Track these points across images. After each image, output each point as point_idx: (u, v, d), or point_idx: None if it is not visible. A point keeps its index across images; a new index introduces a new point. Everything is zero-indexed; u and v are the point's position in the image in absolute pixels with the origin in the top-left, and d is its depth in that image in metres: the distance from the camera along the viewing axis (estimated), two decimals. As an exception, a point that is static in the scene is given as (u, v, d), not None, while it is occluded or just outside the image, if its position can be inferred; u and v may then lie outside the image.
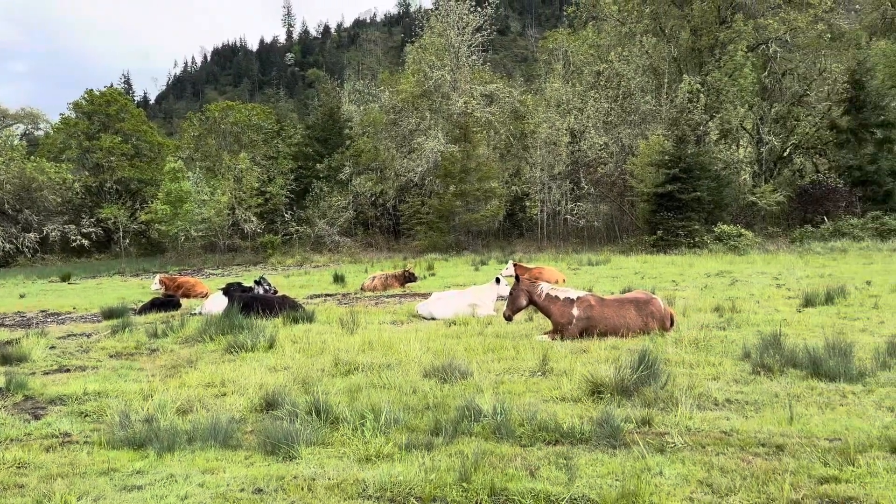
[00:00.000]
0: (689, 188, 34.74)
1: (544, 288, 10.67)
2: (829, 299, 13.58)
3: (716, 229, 34.34)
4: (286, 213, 51.80)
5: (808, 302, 13.49)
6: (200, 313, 16.45)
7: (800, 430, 5.67)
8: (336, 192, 51.07)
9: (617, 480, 4.74)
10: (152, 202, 50.44)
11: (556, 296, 10.56)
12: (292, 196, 53.22)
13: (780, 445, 5.31)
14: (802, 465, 4.80)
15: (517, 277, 10.85)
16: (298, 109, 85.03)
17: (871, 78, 39.32)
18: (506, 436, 5.76)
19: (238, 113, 56.97)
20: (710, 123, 40.71)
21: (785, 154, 44.64)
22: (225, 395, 8.03)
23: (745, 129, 45.20)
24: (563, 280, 20.33)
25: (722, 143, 42.25)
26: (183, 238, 48.16)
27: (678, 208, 34.88)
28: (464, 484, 4.71)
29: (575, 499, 4.48)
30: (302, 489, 4.85)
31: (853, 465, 4.69)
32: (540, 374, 8.21)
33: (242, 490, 4.94)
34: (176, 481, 5.19)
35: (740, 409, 6.50)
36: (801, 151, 44.87)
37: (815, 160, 45.71)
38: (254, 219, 50.46)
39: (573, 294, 10.59)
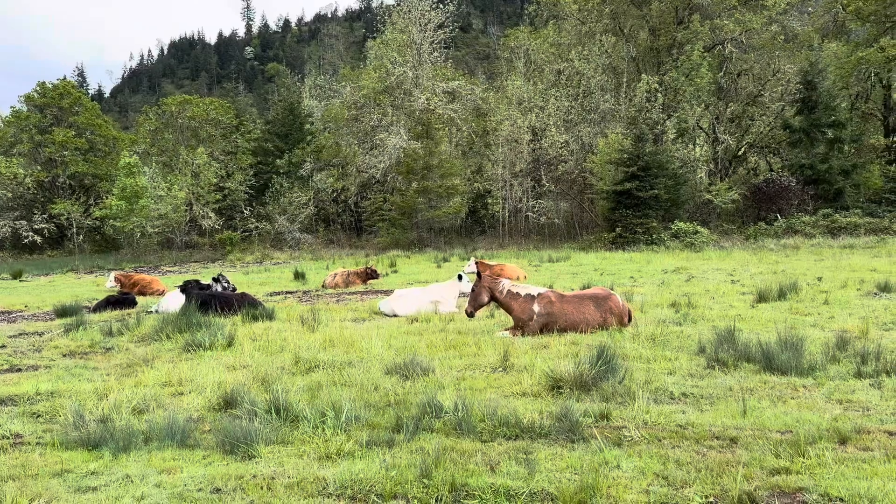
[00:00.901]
0: (647, 186, 35.29)
1: (506, 284, 10.74)
2: (781, 295, 13.95)
3: (673, 227, 34.94)
4: (245, 209, 51.13)
5: (762, 298, 13.84)
6: (157, 311, 16.16)
7: (753, 422, 5.82)
8: (297, 189, 50.57)
9: (576, 474, 4.81)
10: (107, 198, 49.29)
11: (517, 292, 10.64)
12: (251, 192, 52.54)
13: (734, 438, 5.44)
14: (755, 457, 4.93)
15: (479, 274, 10.90)
16: (258, 104, 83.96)
17: (823, 79, 40.42)
18: (467, 432, 5.79)
19: (196, 107, 55.98)
20: (667, 122, 41.41)
21: (740, 153, 45.65)
22: (182, 394, 7.91)
23: (701, 128, 46.09)
24: (525, 277, 20.48)
25: (679, 142, 43.01)
26: (139, 234, 47.16)
27: (636, 206, 35.41)
28: (425, 480, 4.73)
29: (534, 493, 4.53)
30: (261, 488, 4.81)
31: (804, 457, 4.84)
32: (501, 370, 8.27)
33: (200, 490, 4.88)
34: (132, 482, 5.10)
35: (695, 402, 6.64)
36: (756, 150, 45.95)
37: (768, 159, 46.88)
38: (212, 215, 49.68)
39: (534, 290, 10.68)
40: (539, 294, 10.60)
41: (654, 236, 34.42)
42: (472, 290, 10.83)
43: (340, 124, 51.91)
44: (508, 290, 10.68)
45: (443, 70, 51.32)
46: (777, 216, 36.87)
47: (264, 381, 8.05)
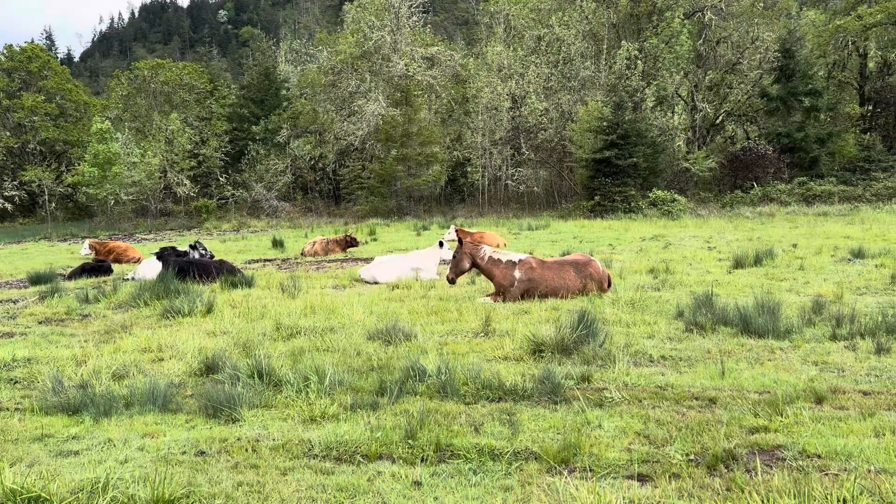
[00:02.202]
0: (626, 154, 35.35)
1: (487, 251, 10.76)
2: (757, 261, 14.14)
3: (651, 195, 35.12)
4: (221, 176, 50.48)
5: (738, 264, 14.02)
6: (134, 278, 16.00)
7: (731, 383, 5.92)
8: (273, 156, 49.97)
9: (558, 434, 4.87)
10: (79, 164, 48.35)
11: (498, 258, 10.66)
12: (227, 159, 51.83)
13: (713, 398, 5.54)
14: (734, 416, 5.03)
15: (460, 241, 10.89)
16: (232, 69, 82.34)
17: (801, 47, 40.55)
18: (450, 394, 5.83)
19: (168, 72, 54.83)
20: (646, 90, 41.36)
21: (717, 121, 45.82)
22: (162, 360, 7.86)
23: (680, 96, 46.12)
24: (505, 244, 20.52)
25: (658, 110, 43.04)
26: (113, 202, 46.42)
27: (615, 174, 35.49)
28: (409, 441, 4.76)
29: (518, 452, 4.58)
30: (246, 450, 4.81)
31: (781, 416, 4.94)
32: (483, 335, 8.31)
33: (184, 453, 4.87)
34: (114, 446, 5.08)
35: (674, 364, 6.74)
36: (733, 119, 46.15)
37: (745, 127, 47.12)
38: (187, 182, 49.00)
39: (515, 257, 10.71)
40: (520, 260, 10.63)
41: (633, 204, 34.59)
42: (454, 256, 10.83)
43: (317, 90, 51.13)
44: (490, 256, 10.70)
45: (422, 35, 50.64)
46: (753, 184, 37.20)
47: (245, 347, 8.02)
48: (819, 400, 5.35)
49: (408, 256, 14.65)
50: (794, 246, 18.35)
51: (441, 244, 14.63)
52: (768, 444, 4.50)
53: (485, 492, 4.03)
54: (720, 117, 45.69)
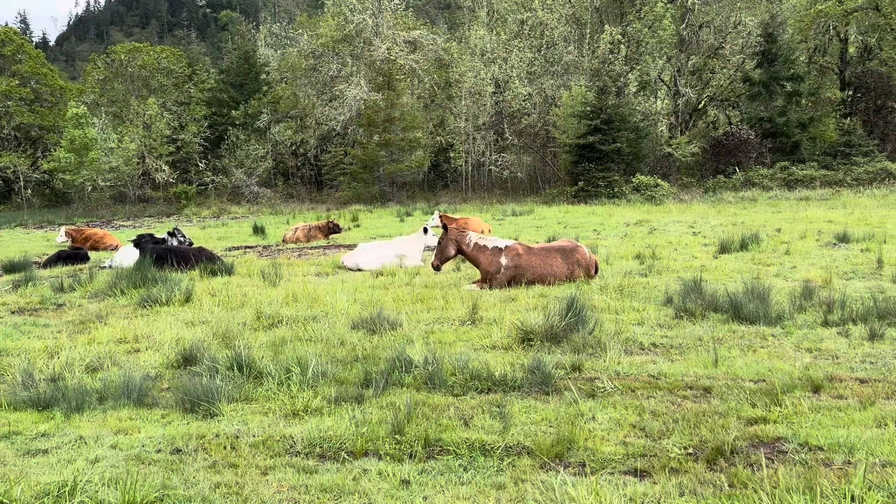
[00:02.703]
0: (610, 139, 35.24)
1: (472, 237, 10.55)
2: (743, 246, 14.07)
3: (634, 180, 35.08)
4: (200, 162, 49.73)
5: (724, 249, 13.94)
6: (110, 266, 15.64)
7: (725, 372, 5.78)
8: (253, 141, 49.27)
9: (551, 427, 4.70)
10: (55, 150, 47.37)
11: (484, 245, 10.47)
12: (207, 144, 51.05)
13: (708, 388, 5.39)
14: (731, 406, 4.88)
15: (445, 227, 10.68)
16: (211, 53, 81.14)
17: (783, 32, 40.55)
18: (438, 386, 5.64)
19: (146, 55, 53.77)
20: (629, 75, 41.23)
21: (700, 106, 45.84)
22: (138, 351, 7.60)
23: (662, 80, 46.07)
24: (489, 230, 20.32)
25: (640, 95, 42.94)
26: (90, 188, 45.57)
27: (599, 159, 35.38)
28: (397, 436, 4.56)
29: (510, 447, 4.41)
30: (224, 448, 4.59)
31: (780, 406, 4.79)
32: (470, 323, 8.13)
33: (159, 451, 4.64)
34: (86, 443, 4.83)
35: (666, 352, 6.60)
36: (716, 104, 46.17)
37: (727, 112, 47.17)
38: (166, 168, 48.20)
39: (501, 243, 10.52)
40: (506, 246, 10.44)
41: (616, 190, 34.53)
42: (439, 243, 10.62)
43: (298, 74, 50.39)
44: (476, 242, 10.49)
45: (403, 18, 50.04)
46: (735, 169, 37.27)
47: (225, 337, 7.77)
48: (816, 389, 5.22)
49: (391, 243, 14.41)
50: (778, 230, 18.33)
51: (425, 230, 14.40)
52: (768, 435, 4.36)
53: (476, 490, 3.84)
54: (702, 102, 45.71)
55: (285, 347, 7.11)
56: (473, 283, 10.76)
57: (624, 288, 9.68)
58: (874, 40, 44.67)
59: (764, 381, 5.48)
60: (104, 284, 11.97)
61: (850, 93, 45.17)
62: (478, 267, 10.57)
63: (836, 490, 3.40)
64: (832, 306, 7.74)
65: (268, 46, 60.23)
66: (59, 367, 6.80)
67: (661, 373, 5.80)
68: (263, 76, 53.60)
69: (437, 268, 10.68)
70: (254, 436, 4.77)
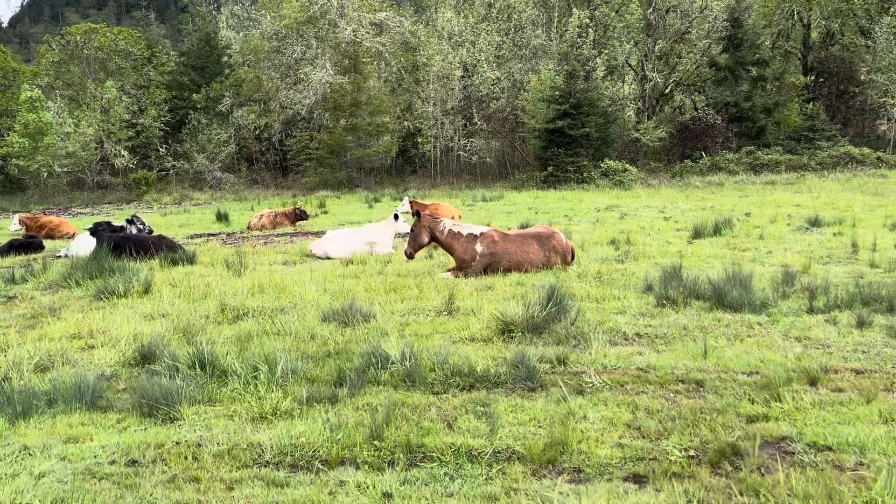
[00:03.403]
0: (579, 124, 35.04)
1: (447, 224, 10.20)
2: (717, 231, 13.95)
3: (603, 165, 34.99)
4: (161, 147, 48.33)
5: (698, 234, 13.80)
6: (66, 256, 14.96)
7: (715, 363, 5.54)
8: (216, 125, 48.01)
9: (541, 428, 4.39)
10: (8, 135, 45.65)
11: (458, 232, 10.12)
12: (167, 129, 49.64)
13: (700, 381, 5.14)
14: (728, 402, 4.62)
15: (418, 214, 10.29)
16: (171, 36, 79.06)
17: (749, 16, 40.71)
18: (417, 383, 5.29)
19: (103, 37, 51.93)
20: (597, 59, 41.06)
21: (667, 91, 45.93)
22: (93, 347, 7.11)
23: (630, 65, 46.01)
24: (460, 216, 19.96)
25: (608, 80, 42.83)
26: (46, 174, 44.02)
27: (568, 144, 35.19)
28: (375, 442, 4.20)
29: (499, 452, 4.09)
30: (186, 458, 4.19)
31: (780, 401, 4.55)
32: (446, 313, 7.79)
33: (113, 462, 4.22)
34: (31, 455, 4.39)
35: (651, 343, 6.34)
36: (682, 88, 46.30)
37: (693, 97, 47.36)
38: (125, 153, 46.74)
39: (476, 230, 10.18)
40: (482, 233, 10.11)
41: (585, 175, 34.40)
42: (412, 230, 10.24)
43: (261, 57, 49.14)
44: (450, 229, 10.14)
45: (369, 0, 49.13)
46: (702, 154, 37.44)
47: (186, 332, 7.31)
48: (812, 381, 5.00)
49: (362, 230, 13.99)
50: (748, 215, 18.33)
51: (396, 217, 14.02)
52: (772, 434, 4.11)
53: (466, 503, 3.51)
54: (669, 87, 45.80)
55: (251, 343, 6.70)
56: (448, 270, 10.42)
57: (602, 275, 9.43)
58: (837, 25, 45.18)
59: (757, 373, 5.24)
60: (58, 275, 11.37)
61: (813, 78, 45.69)
62: (452, 254, 10.23)
63: (856, 498, 3.15)
64: (815, 293, 7.57)
65: (230, 28, 58.68)
66: (6, 367, 6.30)
67: (649, 365, 5.53)
68: (225, 59, 52.28)
69: (410, 256, 10.31)
70: (218, 444, 4.37)
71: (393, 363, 5.64)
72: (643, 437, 4.19)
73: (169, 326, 7.65)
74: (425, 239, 10.22)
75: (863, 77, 41.75)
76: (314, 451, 4.17)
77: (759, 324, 6.77)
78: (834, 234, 13.36)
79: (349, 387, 5.23)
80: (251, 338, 6.98)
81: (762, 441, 4.00)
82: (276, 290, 9.55)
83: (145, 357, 6.38)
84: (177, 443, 4.42)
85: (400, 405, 4.84)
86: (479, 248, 9.99)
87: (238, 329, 7.45)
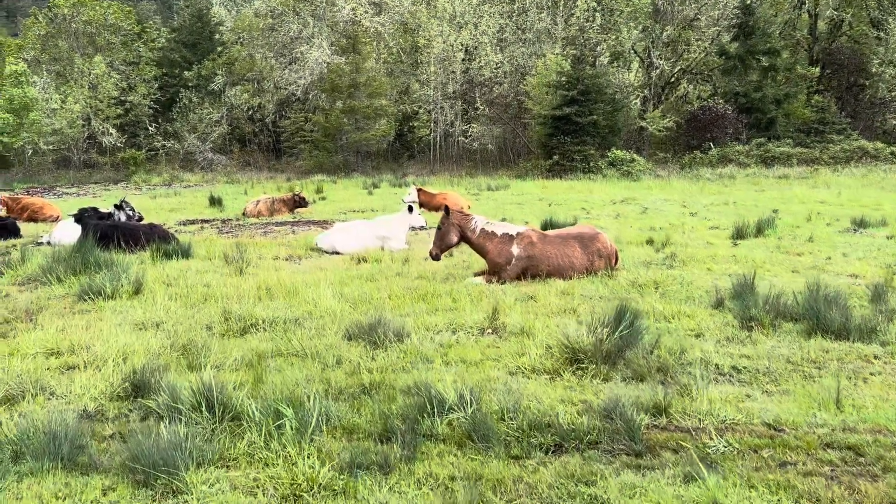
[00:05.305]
0: (587, 111, 33.82)
1: (479, 222, 9.02)
2: (759, 231, 12.86)
3: (609, 155, 33.85)
4: (150, 125, 46.72)
5: (739, 234, 12.70)
6: (48, 243, 13.71)
7: (859, 418, 4.42)
8: (207, 104, 46.42)
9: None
10: (-9, 110, 43.93)
11: (492, 231, 8.95)
12: (157, 107, 47.98)
13: (854, 447, 4.02)
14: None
15: (446, 210, 9.11)
16: (162, 11, 76.78)
17: (761, 3, 39.52)
18: (485, 439, 4.14)
19: (92, 11, 50.02)
20: (603, 45, 39.81)
21: (672, 79, 44.76)
22: (74, 368, 5.91)
23: (636, 52, 44.76)
24: (468, 206, 18.77)
25: (614, 66, 41.61)
26: (31, 152, 42.42)
27: (575, 132, 33.98)
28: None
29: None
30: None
31: None
32: (491, 332, 6.64)
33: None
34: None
35: (755, 381, 5.22)
36: (689, 77, 45.13)
37: (699, 86, 46.15)
38: (113, 131, 45.10)
39: (512, 229, 9.02)
40: (518, 234, 8.94)
41: (592, 164, 33.25)
42: (439, 227, 9.05)
43: (255, 35, 47.53)
44: (482, 228, 8.97)
45: (368, -22, 47.50)
46: (710, 145, 36.35)
47: (186, 350, 6.13)
48: None
49: (372, 223, 12.79)
50: (776, 212, 17.23)
51: (410, 209, 12.82)
52: None
53: None
54: (675, 75, 44.62)
55: (267, 370, 5.52)
56: (477, 274, 9.26)
57: (659, 284, 8.30)
58: (848, 16, 44.03)
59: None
60: (38, 268, 10.12)
61: (820, 69, 44.60)
62: (484, 257, 9.06)
63: None
64: (924, 314, 6.47)
65: (222, 5, 56.88)
66: (-36, 398, 5.10)
67: (777, 420, 4.40)
68: (218, 36, 50.58)
69: (436, 257, 9.14)
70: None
71: (451, 409, 4.49)
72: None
73: (165, 341, 6.46)
74: (454, 239, 9.05)
75: (874, 69, 40.70)
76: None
77: (875, 356, 5.66)
78: (888, 238, 12.28)
79: (400, 444, 4.08)
80: (264, 360, 5.81)
81: None
82: (285, 293, 8.37)
83: (137, 387, 5.19)
84: (183, 538, 3.26)
85: (474, 479, 3.69)
86: (515, 250, 8.83)
87: (247, 346, 6.28)
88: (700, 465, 3.70)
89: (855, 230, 13.36)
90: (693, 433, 4.23)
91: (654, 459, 3.93)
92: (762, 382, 5.19)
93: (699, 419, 4.42)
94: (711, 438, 4.11)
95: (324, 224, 16.64)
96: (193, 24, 50.99)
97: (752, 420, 4.42)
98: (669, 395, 4.71)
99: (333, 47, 42.67)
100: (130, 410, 4.95)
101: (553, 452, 4.05)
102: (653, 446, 4.08)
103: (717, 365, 5.56)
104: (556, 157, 33.84)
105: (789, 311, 6.77)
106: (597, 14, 39.38)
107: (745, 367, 5.49)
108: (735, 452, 3.97)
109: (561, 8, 41.52)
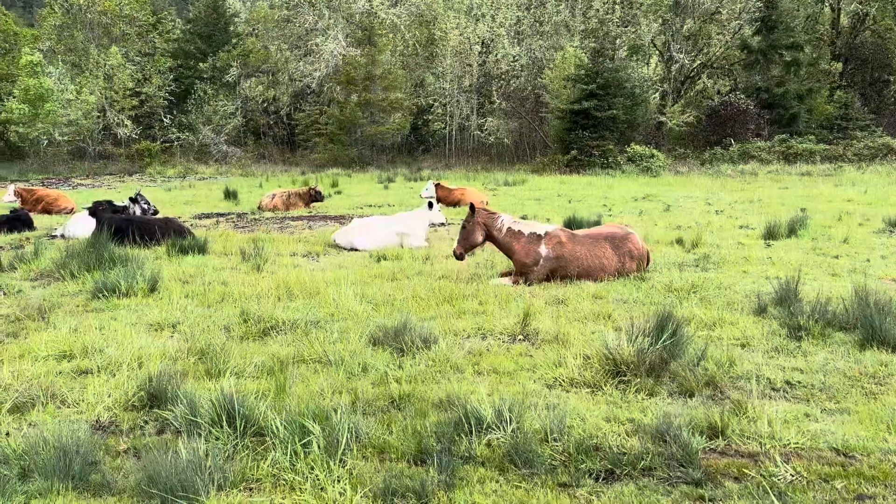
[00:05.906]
0: (606, 105, 33.32)
1: (505, 221, 8.67)
2: (791, 231, 12.43)
3: (629, 150, 33.36)
4: (165, 117, 46.67)
5: (770, 234, 12.28)
6: (62, 236, 13.51)
7: (935, 444, 4.05)
8: (222, 96, 46.31)
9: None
10: (8, 100, 43.99)
11: (519, 231, 8.60)
12: (172, 98, 47.93)
13: (937, 479, 3.66)
14: None
15: (472, 208, 8.77)
16: (177, 3, 76.77)
17: (783, -2, 38.87)
18: (529, 464, 3.81)
19: (107, 1, 50.04)
20: (623, 38, 39.24)
21: (692, 74, 44.10)
22: (88, 373, 5.62)
23: (655, 45, 44.14)
24: (487, 202, 18.43)
25: (633, 60, 41.03)
26: (46, 142, 42.44)
27: (594, 126, 33.49)
28: None
29: None
30: None
31: None
32: (522, 338, 6.31)
33: None
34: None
35: (812, 397, 4.85)
36: (709, 71, 44.47)
37: (718, 81, 45.46)
38: (128, 123, 45.10)
39: (540, 229, 8.66)
40: (546, 233, 8.59)
41: (611, 160, 32.77)
42: (464, 226, 8.71)
43: (270, 26, 47.32)
44: (509, 227, 8.62)
45: (384, -30, 47.08)
46: (731, 141, 35.75)
47: (203, 355, 5.83)
48: None
49: (391, 219, 12.47)
50: (803, 210, 16.74)
51: (430, 205, 12.51)
52: None
53: None
54: (695, 70, 43.97)
55: (289, 378, 5.21)
56: (502, 275, 8.93)
57: (698, 289, 7.92)
58: (873, 10, 43.16)
59: None
60: (52, 263, 9.89)
61: (842, 64, 43.81)
62: (511, 257, 8.72)
63: None
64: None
65: (237, -4, 56.75)
66: (-29, 407, 4.82)
67: (846, 445, 4.04)
68: (232, 27, 50.42)
69: (460, 256, 8.80)
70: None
71: (489, 428, 4.16)
72: None
73: (182, 345, 6.18)
74: (479, 238, 8.71)
75: (900, 65, 39.97)
76: None
77: (938, 372, 5.28)
78: (926, 240, 11.82)
79: (437, 468, 3.75)
80: (286, 368, 5.50)
81: None
82: (305, 293, 8.08)
83: (153, 396, 4.90)
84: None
85: (522, 509, 3.36)
86: (543, 250, 8.48)
87: (267, 351, 5.98)
88: (774, 498, 3.35)
89: (891, 231, 12.89)
90: (756, 459, 3.88)
91: (715, 489, 3.59)
92: (820, 399, 4.82)
93: (760, 443, 4.07)
94: (777, 465, 3.76)
95: (341, 219, 16.36)
96: (208, 15, 50.87)
97: (818, 444, 4.06)
98: (725, 415, 4.35)
99: (349, 39, 42.37)
100: (146, 422, 4.66)
101: (604, 480, 3.71)
102: (713, 474, 3.74)
103: (769, 379, 5.19)
104: (574, 152, 33.39)
105: (838, 320, 6.39)
106: (616, 6, 38.81)
107: (798, 382, 5.12)
108: (805, 483, 3.62)
109: (579, 0, 40.97)
